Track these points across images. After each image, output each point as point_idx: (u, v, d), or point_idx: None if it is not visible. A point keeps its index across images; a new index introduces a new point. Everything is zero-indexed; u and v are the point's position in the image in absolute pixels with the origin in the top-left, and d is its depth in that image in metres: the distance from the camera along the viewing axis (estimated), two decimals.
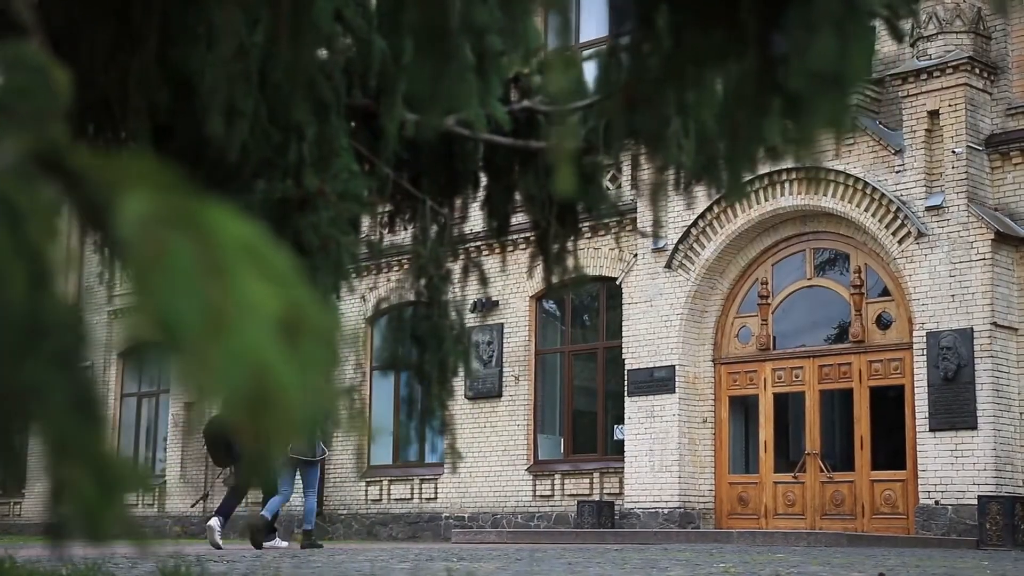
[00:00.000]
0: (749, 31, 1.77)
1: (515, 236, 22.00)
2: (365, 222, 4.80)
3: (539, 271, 4.37)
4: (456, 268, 4.38)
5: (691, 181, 4.00)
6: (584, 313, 22.91)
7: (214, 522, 13.84)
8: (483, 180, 4.56)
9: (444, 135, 4.24)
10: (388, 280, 23.87)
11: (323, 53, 3.58)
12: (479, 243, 20.14)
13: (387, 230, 4.51)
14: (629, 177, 19.29)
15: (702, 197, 19.58)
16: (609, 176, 20.87)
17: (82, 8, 2.94)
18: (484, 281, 4.16)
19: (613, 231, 21.22)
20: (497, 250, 22.35)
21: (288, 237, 3.08)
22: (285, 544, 14.86)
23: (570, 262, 4.40)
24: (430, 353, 3.86)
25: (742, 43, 1.80)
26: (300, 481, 14.94)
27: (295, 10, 2.18)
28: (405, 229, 4.39)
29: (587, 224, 21.35)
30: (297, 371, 0.82)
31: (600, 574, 7.84)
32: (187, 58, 2.89)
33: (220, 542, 13.60)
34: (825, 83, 1.72)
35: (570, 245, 4.43)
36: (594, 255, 21.60)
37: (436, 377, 3.86)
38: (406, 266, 4.39)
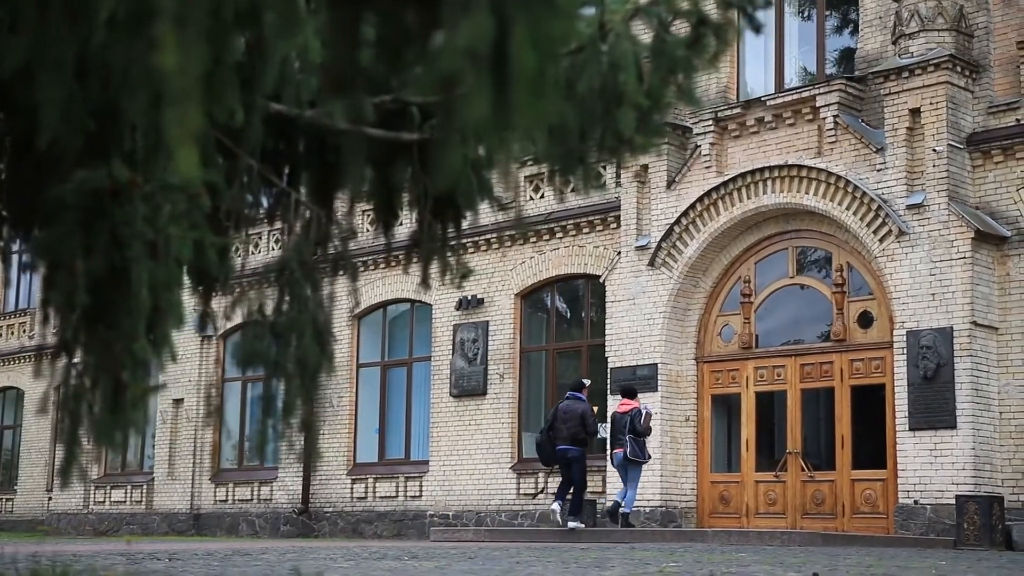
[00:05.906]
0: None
1: (501, 235, 21.95)
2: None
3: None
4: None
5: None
6: (569, 311, 22.82)
7: (573, 524, 17.35)
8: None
9: (317, 127, 4.17)
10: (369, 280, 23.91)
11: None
12: (465, 241, 20.04)
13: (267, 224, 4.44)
14: (614, 175, 19.00)
15: (687, 195, 19.50)
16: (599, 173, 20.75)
17: None
18: (355, 277, 4.09)
19: (598, 228, 21.15)
20: (483, 248, 22.32)
21: (104, 229, 3.01)
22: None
23: (450, 257, 4.33)
24: (289, 349, 3.79)
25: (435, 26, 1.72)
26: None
27: None
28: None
29: (572, 221, 21.33)
30: None
31: (538, 572, 7.77)
32: None
33: (574, 525, 17.30)
34: (479, 64, 1.63)
35: (452, 240, 4.35)
36: (578, 252, 21.52)
37: (296, 373, 3.78)
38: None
